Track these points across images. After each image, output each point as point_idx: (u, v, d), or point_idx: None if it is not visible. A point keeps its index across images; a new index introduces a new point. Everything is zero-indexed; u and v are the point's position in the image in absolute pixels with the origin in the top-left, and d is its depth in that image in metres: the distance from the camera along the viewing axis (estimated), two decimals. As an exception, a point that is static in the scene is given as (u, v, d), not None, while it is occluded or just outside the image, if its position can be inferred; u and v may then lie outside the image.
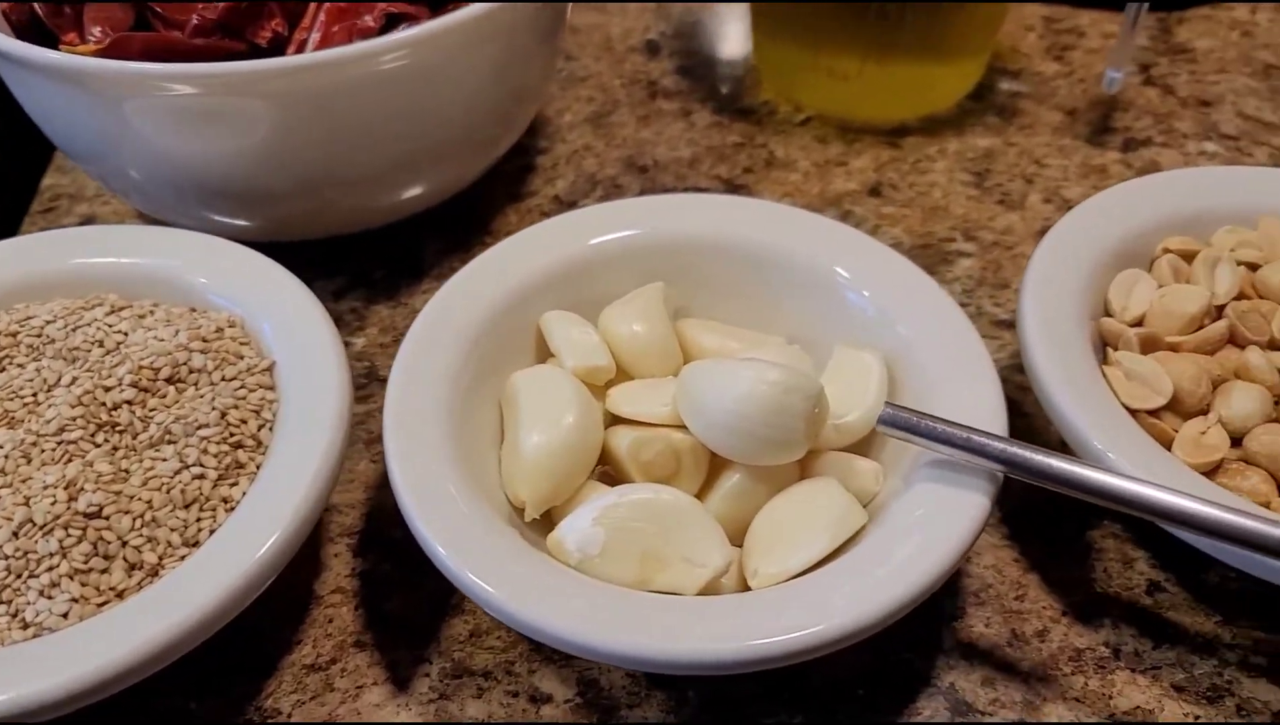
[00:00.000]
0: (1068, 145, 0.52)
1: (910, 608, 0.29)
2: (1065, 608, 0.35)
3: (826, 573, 0.31)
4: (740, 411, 0.32)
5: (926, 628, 0.35)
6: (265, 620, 0.35)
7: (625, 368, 0.37)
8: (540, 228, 0.40)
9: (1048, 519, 0.38)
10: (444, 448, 0.33)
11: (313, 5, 0.42)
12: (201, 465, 0.32)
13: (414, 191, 0.46)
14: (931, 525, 0.31)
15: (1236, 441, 0.34)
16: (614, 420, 0.36)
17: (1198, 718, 0.33)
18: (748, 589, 0.32)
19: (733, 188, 0.50)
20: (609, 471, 0.36)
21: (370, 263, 0.47)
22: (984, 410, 0.33)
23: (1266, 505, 0.33)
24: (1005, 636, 0.35)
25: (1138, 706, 0.33)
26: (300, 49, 0.42)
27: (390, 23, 0.42)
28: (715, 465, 0.35)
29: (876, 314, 0.37)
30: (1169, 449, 0.34)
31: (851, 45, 0.50)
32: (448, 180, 0.47)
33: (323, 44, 0.41)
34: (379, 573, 0.37)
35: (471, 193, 0.49)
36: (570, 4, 0.48)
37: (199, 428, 0.33)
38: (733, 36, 0.59)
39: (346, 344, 0.44)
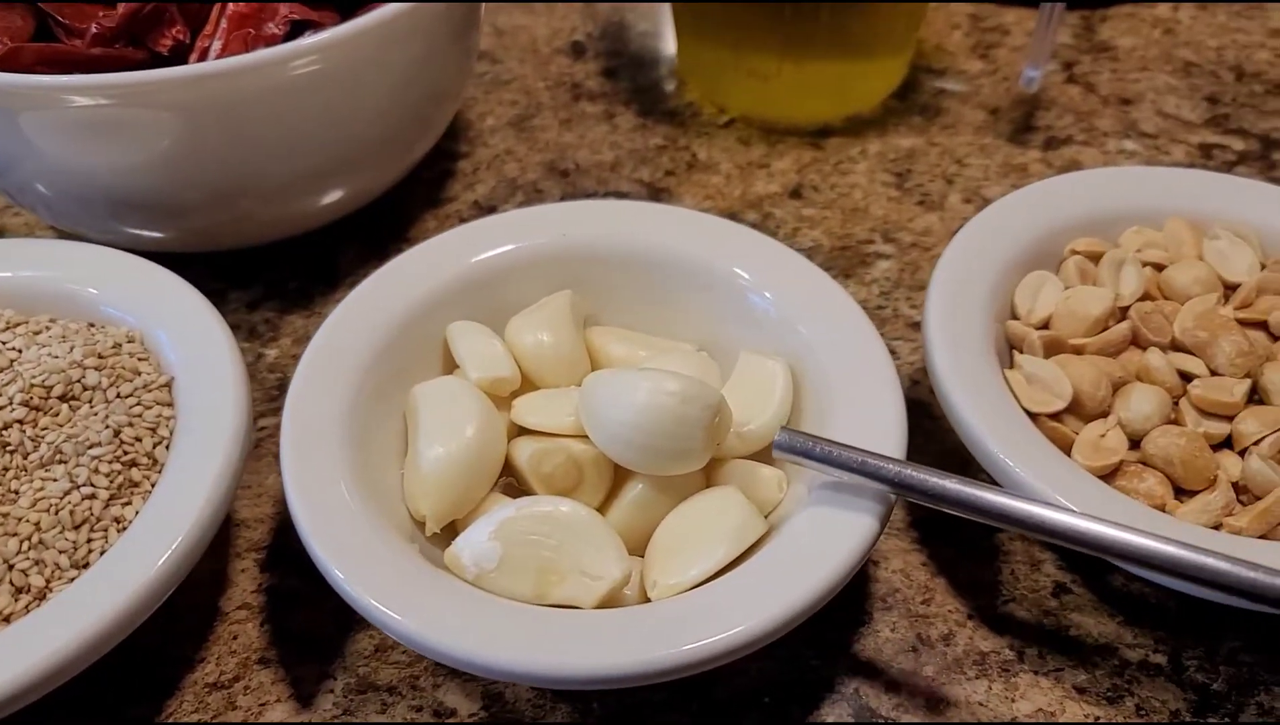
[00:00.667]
0: (989, 144, 0.52)
1: (805, 616, 0.29)
2: (971, 611, 0.35)
3: (723, 583, 0.31)
4: (638, 423, 0.32)
5: (834, 634, 0.35)
6: (168, 638, 0.35)
7: (532, 378, 0.37)
8: (447, 237, 0.39)
9: (957, 522, 0.38)
10: (343, 464, 0.33)
11: (215, 12, 0.41)
12: (92, 485, 0.32)
13: (329, 199, 0.45)
14: (829, 532, 0.31)
15: (1137, 443, 0.35)
16: (519, 431, 0.35)
17: (1098, 718, 0.33)
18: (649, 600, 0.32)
19: (654, 191, 0.50)
20: (514, 483, 0.36)
21: (286, 272, 0.47)
22: (882, 414, 0.33)
23: (1161, 507, 0.33)
24: (911, 641, 0.35)
25: (1039, 709, 0.33)
26: (203, 57, 0.41)
27: (295, 29, 0.41)
28: (619, 475, 0.35)
29: (779, 317, 0.37)
30: (1069, 452, 0.34)
31: (769, 45, 0.49)
32: (364, 187, 0.46)
33: (225, 51, 0.41)
34: (286, 588, 0.36)
35: (389, 199, 0.49)
36: (485, 4, 0.48)
37: (90, 447, 0.32)
38: (658, 37, 0.59)
39: (259, 355, 0.44)
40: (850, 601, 0.36)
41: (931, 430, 0.40)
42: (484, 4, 0.48)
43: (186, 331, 0.36)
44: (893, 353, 0.43)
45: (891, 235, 0.48)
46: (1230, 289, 0.38)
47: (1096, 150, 0.52)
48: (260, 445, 0.40)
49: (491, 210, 0.49)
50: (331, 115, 0.42)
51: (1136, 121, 0.54)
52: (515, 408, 0.36)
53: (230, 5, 0.41)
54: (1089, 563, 0.36)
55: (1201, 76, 0.56)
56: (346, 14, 0.43)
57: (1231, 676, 0.34)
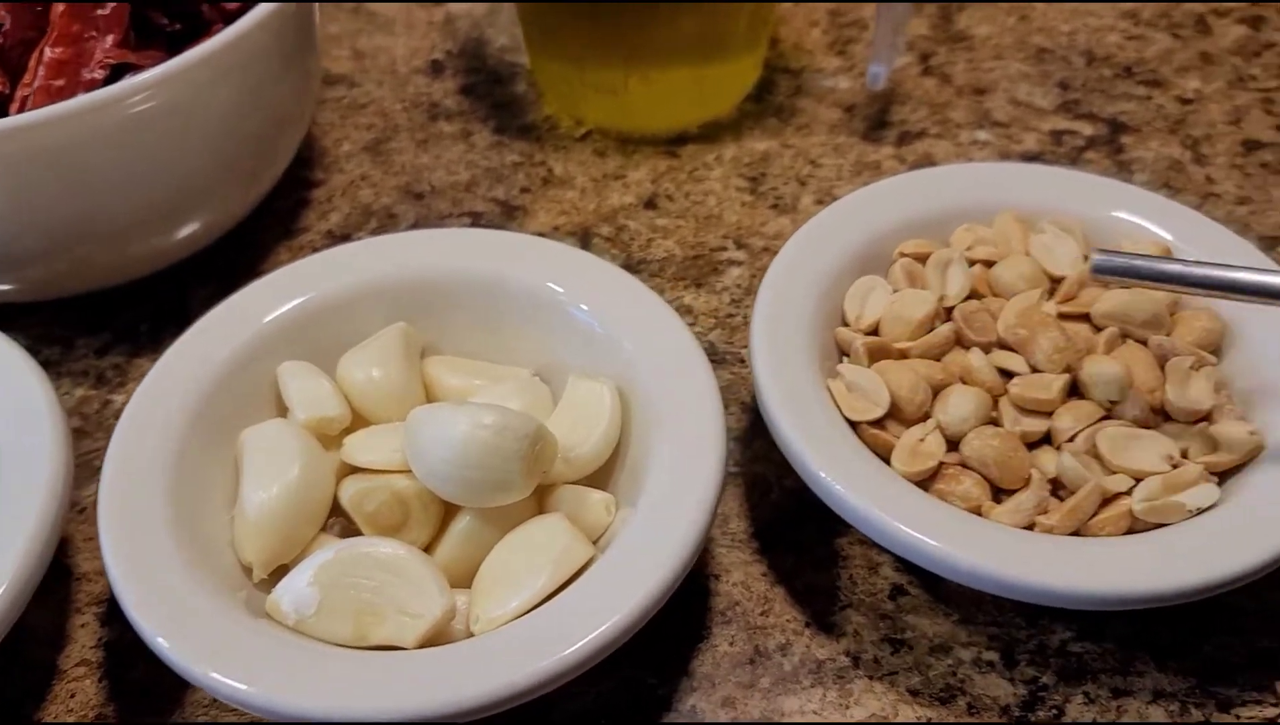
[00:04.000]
0: (843, 143, 0.53)
1: (621, 641, 0.30)
2: (809, 619, 0.36)
3: (543, 612, 0.31)
4: (455, 457, 0.32)
5: (673, 651, 0.35)
6: (4, 700, 0.35)
7: (365, 415, 0.37)
8: (277, 276, 0.39)
9: (797, 529, 0.38)
10: (166, 516, 0.33)
11: (34, 60, 0.41)
12: (-99, 557, 0.32)
13: (174, 238, 0.45)
14: (647, 555, 0.31)
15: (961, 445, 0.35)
16: (351, 470, 0.35)
17: (930, 720, 0.33)
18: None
19: (509, 210, 0.50)
20: (352, 524, 0.35)
21: (136, 315, 0.46)
22: (702, 431, 0.34)
23: (977, 508, 0.33)
24: (749, 654, 0.35)
25: (873, 714, 0.34)
26: (23, 106, 0.41)
27: (115, 73, 0.41)
28: (450, 508, 0.35)
29: (608, 337, 0.37)
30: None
31: (613, 60, 0.49)
32: (210, 222, 0.46)
33: (44, 99, 0.40)
34: (126, 640, 0.36)
35: (241, 232, 0.48)
36: (334, 29, 0.47)
37: (-101, 517, 0.32)
38: (518, 51, 0.59)
39: (106, 402, 0.43)
40: (690, 617, 0.36)
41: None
42: (320, 29, 0.48)
43: (5, 389, 0.36)
44: (742, 362, 0.43)
45: (744, 241, 0.48)
46: (1057, 282, 0.39)
47: (949, 143, 0.53)
48: (105, 495, 0.40)
49: (345, 238, 0.49)
50: (165, 154, 0.41)
51: (990, 111, 0.54)
52: (345, 446, 0.36)
53: (47, 52, 0.41)
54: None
55: (1054, 62, 0.57)
56: (175, 50, 0.43)
57: (1061, 668, 0.34)
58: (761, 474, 0.40)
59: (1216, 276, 0.32)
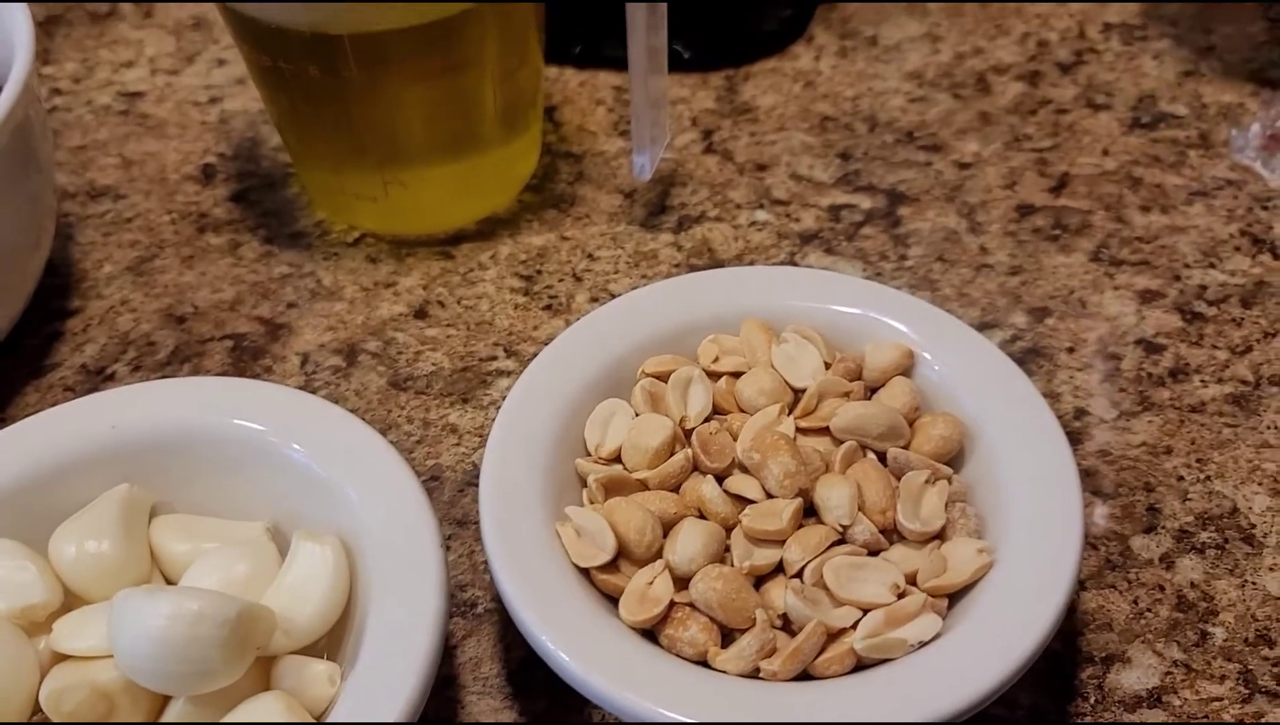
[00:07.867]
0: (621, 232, 0.52)
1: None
2: (558, 769, 0.35)
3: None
4: (152, 651, 0.30)
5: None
6: None
7: (81, 594, 0.35)
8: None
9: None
10: None
11: None
12: None
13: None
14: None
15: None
16: (62, 659, 0.33)
17: None
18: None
19: (273, 328, 0.48)
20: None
21: None
22: (420, 589, 0.32)
23: (703, 656, 0.32)
24: (493, 814, 0.34)
25: None
26: None
27: None
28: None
29: (334, 486, 0.36)
30: (625, 605, 0.34)
31: (365, 166, 0.48)
32: (-57, 370, 0.44)
33: None
34: None
35: (-17, 374, 0.46)
36: (39, 148, 0.45)
37: None
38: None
39: None
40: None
41: (532, 569, 0.39)
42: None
43: None
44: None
45: (514, 348, 0.47)
46: (800, 394, 0.38)
47: (728, 226, 0.52)
48: None
49: (100, 373, 0.47)
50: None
51: (770, 188, 0.54)
52: (54, 632, 0.34)
53: None
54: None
55: (837, 131, 0.57)
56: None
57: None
58: (516, 610, 0.38)
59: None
